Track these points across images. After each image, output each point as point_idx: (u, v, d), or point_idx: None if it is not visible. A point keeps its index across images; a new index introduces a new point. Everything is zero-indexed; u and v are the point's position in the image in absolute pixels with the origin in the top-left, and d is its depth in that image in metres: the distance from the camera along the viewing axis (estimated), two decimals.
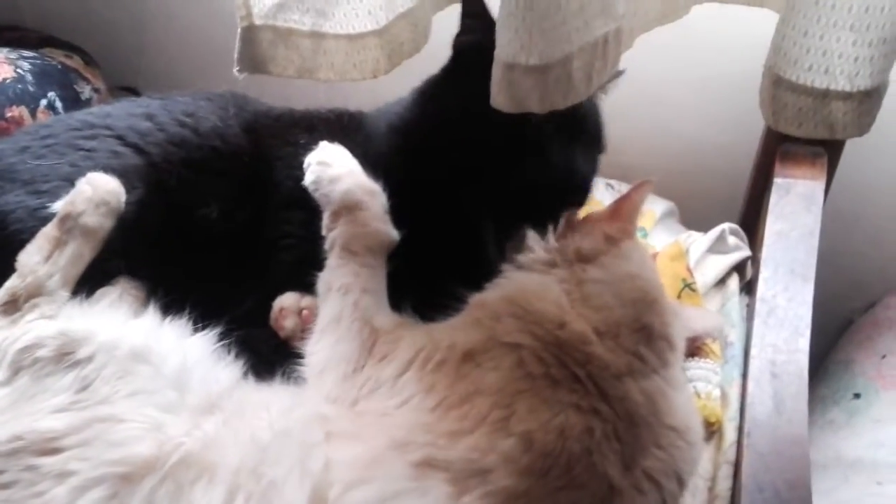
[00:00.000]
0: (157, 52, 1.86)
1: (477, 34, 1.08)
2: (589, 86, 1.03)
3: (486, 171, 1.08)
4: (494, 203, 1.10)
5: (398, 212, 1.09)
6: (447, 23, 1.13)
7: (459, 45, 1.12)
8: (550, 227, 1.08)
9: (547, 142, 1.09)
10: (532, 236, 1.08)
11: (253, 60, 1.06)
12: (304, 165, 1.10)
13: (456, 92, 1.11)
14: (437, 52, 1.15)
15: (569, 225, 1.09)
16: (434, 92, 1.15)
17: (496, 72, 0.98)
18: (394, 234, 1.07)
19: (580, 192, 1.12)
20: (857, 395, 1.41)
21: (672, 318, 1.03)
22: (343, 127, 1.20)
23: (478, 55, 1.06)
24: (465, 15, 1.10)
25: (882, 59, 1.11)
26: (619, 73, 1.15)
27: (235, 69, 1.07)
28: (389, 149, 1.15)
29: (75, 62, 1.71)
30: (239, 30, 1.07)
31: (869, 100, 1.14)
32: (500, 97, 0.99)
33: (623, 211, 1.10)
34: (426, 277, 1.06)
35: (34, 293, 1.01)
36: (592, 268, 1.03)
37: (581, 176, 1.11)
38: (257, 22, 1.10)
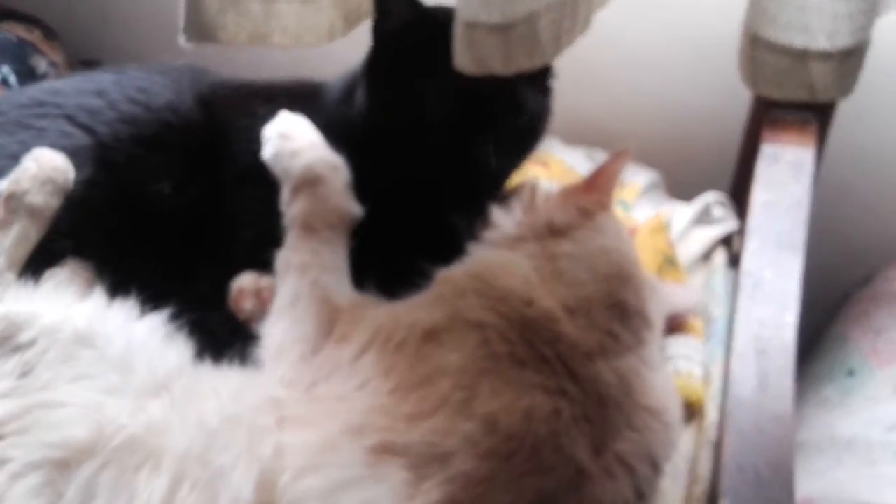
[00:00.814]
0: (122, 24, 1.82)
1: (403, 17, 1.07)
2: (557, 46, 1.00)
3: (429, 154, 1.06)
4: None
5: (361, 186, 1.06)
6: None
7: (384, 30, 1.10)
8: (517, 201, 1.05)
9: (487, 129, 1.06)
10: (497, 211, 1.05)
11: (200, 29, 1.02)
12: (263, 138, 1.07)
13: (386, 75, 1.09)
14: None
15: (534, 197, 1.06)
16: (369, 74, 1.12)
17: (458, 31, 0.95)
18: (356, 209, 1.05)
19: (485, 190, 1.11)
20: (850, 373, 1.38)
21: (649, 293, 1.00)
22: (305, 97, 1.16)
23: (406, 36, 1.05)
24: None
25: (862, 16, 1.07)
26: None
27: (181, 39, 1.03)
28: (353, 120, 1.12)
29: (34, 36, 1.68)
30: None
31: (850, 59, 1.10)
32: (463, 58, 0.96)
33: (599, 182, 1.07)
34: (390, 254, 1.03)
35: None
36: (565, 241, 1.00)
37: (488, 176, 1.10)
38: None
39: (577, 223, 1.02)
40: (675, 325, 1.16)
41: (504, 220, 1.05)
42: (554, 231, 1.01)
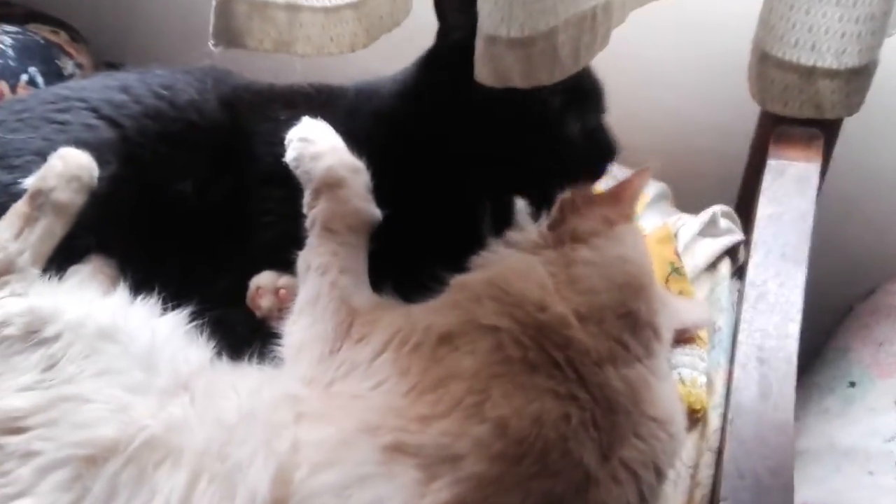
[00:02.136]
0: (146, 28, 1.84)
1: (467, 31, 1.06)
2: (576, 61, 1.01)
3: (495, 155, 1.07)
4: (505, 185, 1.09)
5: (381, 190, 1.07)
6: None
7: (447, 41, 1.10)
8: (545, 209, 1.07)
9: (557, 117, 1.08)
10: (523, 216, 1.07)
11: (228, 34, 1.04)
12: (286, 141, 1.08)
13: (451, 75, 1.08)
14: (419, 25, 1.13)
15: (567, 206, 1.07)
16: (428, 74, 1.13)
17: (479, 44, 0.97)
18: (376, 212, 1.06)
19: (607, 153, 1.11)
20: (852, 384, 1.39)
21: (660, 306, 1.01)
22: (325, 102, 1.17)
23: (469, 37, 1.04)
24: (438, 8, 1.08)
25: (870, 37, 1.08)
26: None
27: (210, 43, 1.05)
28: (377, 126, 1.13)
29: (60, 38, 1.70)
30: (214, 2, 1.05)
31: (857, 78, 1.11)
32: (483, 71, 0.98)
33: (624, 195, 1.08)
34: (409, 257, 1.04)
35: (4, 270, 0.99)
36: (583, 248, 1.01)
37: (604, 134, 1.11)
38: None
39: (598, 231, 1.03)
40: (682, 339, 1.17)
41: (530, 224, 1.06)
42: (575, 237, 1.02)
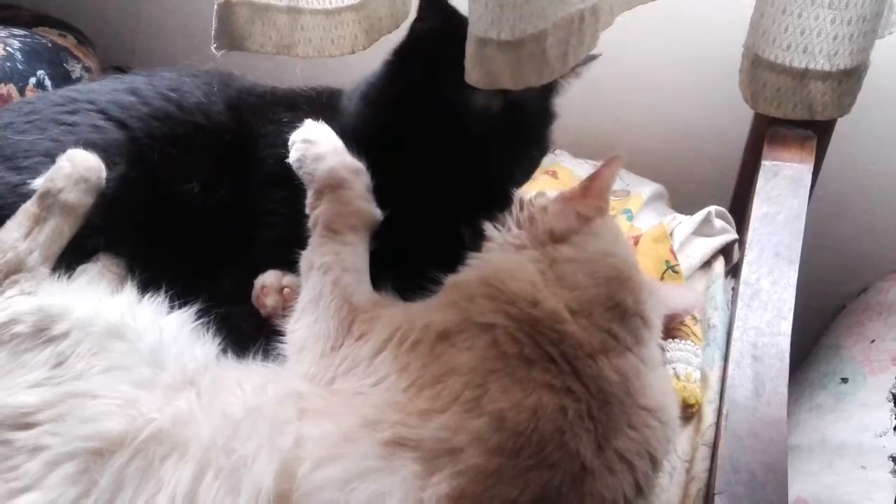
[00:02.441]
0: (152, 32, 1.86)
1: (432, 21, 1.08)
2: (564, 63, 1.02)
3: (435, 163, 1.09)
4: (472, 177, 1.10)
5: (382, 191, 1.09)
6: None
7: (414, 32, 1.12)
8: (507, 212, 1.09)
9: (491, 142, 1.09)
10: (498, 221, 1.09)
11: (230, 37, 1.05)
12: (289, 143, 1.10)
13: (407, 80, 1.11)
14: None
15: (539, 206, 1.09)
16: (390, 74, 1.15)
17: (469, 47, 0.98)
18: (376, 212, 1.08)
19: (495, 202, 1.12)
20: (844, 380, 1.41)
21: (646, 295, 1.03)
22: (325, 104, 1.19)
23: (430, 42, 1.06)
24: (423, 3, 1.10)
25: (861, 38, 1.09)
26: (592, 58, 1.14)
27: (213, 46, 1.07)
28: (362, 126, 1.15)
29: (68, 41, 1.71)
30: (215, 6, 1.06)
31: (849, 80, 1.12)
32: (473, 73, 0.99)
33: (594, 188, 1.10)
34: (406, 257, 1.06)
35: (14, 269, 1.01)
36: (565, 247, 1.03)
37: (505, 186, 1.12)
38: None
39: (576, 228, 1.05)
40: (675, 330, 1.19)
41: (504, 229, 1.08)
42: (555, 237, 1.04)
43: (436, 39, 1.08)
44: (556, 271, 1.00)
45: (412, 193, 1.09)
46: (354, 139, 1.12)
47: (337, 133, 1.11)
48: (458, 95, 1.06)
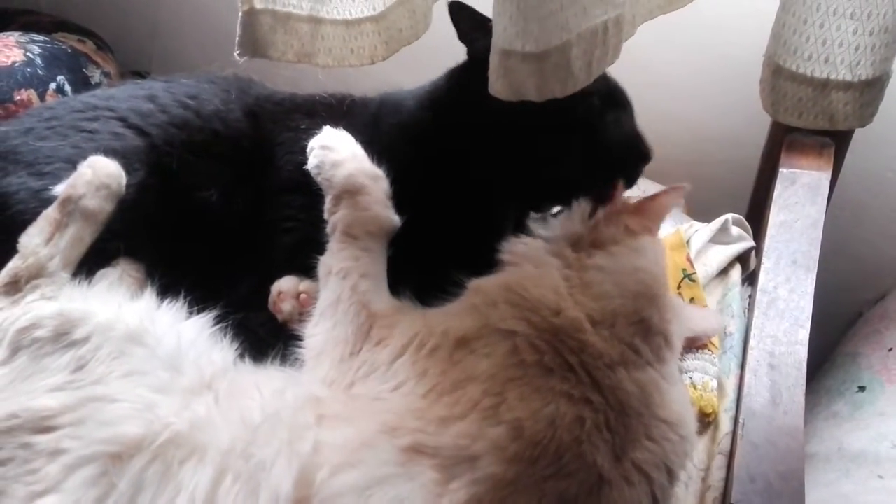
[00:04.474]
0: (170, 37, 1.87)
1: (481, 38, 1.08)
2: (589, 74, 1.02)
3: (532, 161, 1.09)
4: (533, 196, 1.11)
5: (402, 197, 1.09)
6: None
7: (474, 52, 1.11)
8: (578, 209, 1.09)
9: (597, 117, 1.10)
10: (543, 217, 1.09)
11: (253, 45, 1.06)
12: (308, 149, 1.10)
13: (475, 88, 1.09)
14: (439, 40, 1.15)
15: (581, 206, 1.09)
16: (452, 87, 1.15)
17: (493, 59, 0.98)
18: (395, 218, 1.08)
19: (644, 156, 1.13)
20: (861, 388, 1.40)
21: (672, 315, 1.02)
22: (345, 111, 1.19)
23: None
24: (458, 26, 1.10)
25: (884, 49, 1.09)
26: None
27: (236, 53, 1.08)
28: (401, 137, 1.15)
29: (87, 47, 1.73)
30: (240, 14, 1.07)
31: (870, 90, 1.12)
32: (497, 84, 0.99)
33: (651, 209, 1.10)
34: (427, 263, 1.06)
35: (35, 274, 1.02)
36: (599, 254, 1.03)
37: (641, 138, 1.13)
38: (257, 6, 1.10)
39: (618, 239, 1.04)
40: (694, 347, 1.19)
41: (562, 223, 1.08)
42: (594, 242, 1.04)
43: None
44: (585, 278, 1.00)
45: (451, 204, 1.10)
46: (383, 150, 1.12)
47: (358, 141, 1.11)
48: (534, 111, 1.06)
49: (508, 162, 1.11)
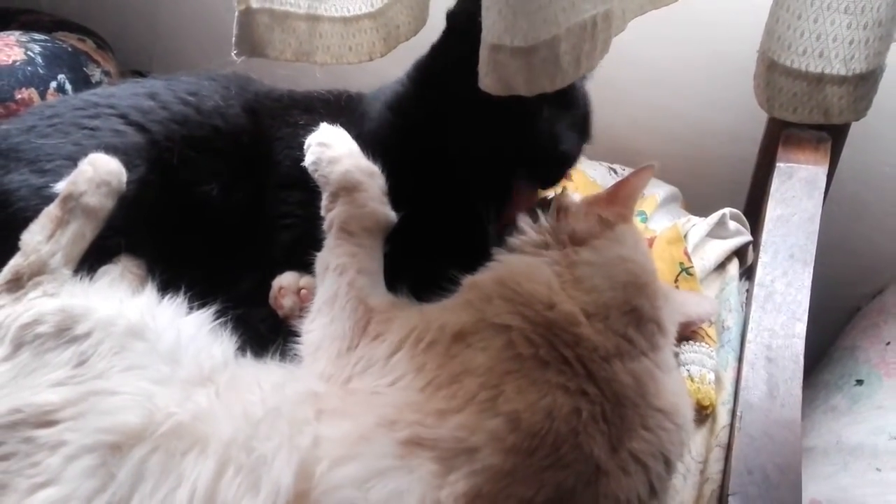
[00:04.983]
0: (170, 36, 1.88)
1: (469, 4, 1.07)
2: (577, 69, 1.02)
3: (476, 145, 1.09)
4: (484, 178, 1.10)
5: (396, 193, 1.10)
6: (446, 6, 1.13)
7: (452, 17, 1.11)
8: (541, 210, 1.09)
9: (535, 112, 1.09)
10: (523, 219, 1.09)
11: (250, 44, 1.07)
12: (305, 146, 1.11)
13: (447, 67, 1.11)
14: (436, 35, 1.15)
15: (563, 207, 1.10)
16: (427, 69, 1.15)
17: (483, 53, 0.98)
18: (391, 215, 1.08)
19: (561, 166, 1.12)
20: (859, 382, 1.41)
21: (663, 301, 1.03)
22: (342, 108, 1.20)
23: (471, 24, 1.04)
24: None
25: (877, 42, 1.09)
26: None
27: (233, 52, 1.08)
28: (386, 129, 1.16)
29: (87, 46, 1.73)
30: (236, 13, 1.08)
31: (865, 84, 1.13)
32: (487, 79, 0.99)
33: (621, 195, 1.10)
34: (422, 258, 1.06)
35: (37, 271, 1.02)
36: (584, 250, 1.04)
37: (563, 148, 1.11)
38: (254, 5, 1.11)
39: (597, 233, 1.05)
40: (689, 332, 1.19)
41: (530, 226, 1.08)
42: (575, 239, 1.05)
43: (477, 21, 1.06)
44: (575, 274, 1.01)
45: (435, 194, 1.10)
46: (376, 143, 1.12)
47: (354, 137, 1.12)
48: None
49: (465, 156, 1.11)
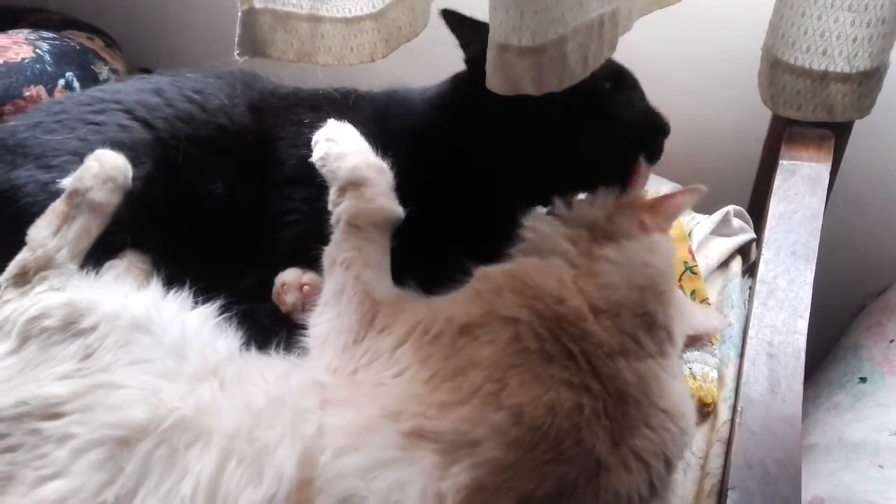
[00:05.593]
0: (178, 35, 1.88)
1: (476, 41, 1.09)
2: (585, 68, 1.03)
3: (550, 152, 1.11)
4: (561, 179, 1.12)
5: (407, 191, 1.10)
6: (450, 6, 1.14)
7: (470, 57, 1.13)
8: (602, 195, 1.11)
9: (608, 99, 1.11)
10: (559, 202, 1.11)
11: (253, 44, 1.07)
12: (312, 142, 1.12)
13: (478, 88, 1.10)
14: (438, 36, 1.16)
15: (626, 203, 1.11)
16: (466, 88, 1.16)
17: (490, 53, 0.98)
18: (399, 210, 1.08)
19: (664, 137, 1.15)
20: (862, 379, 1.41)
21: (676, 313, 1.03)
22: (349, 106, 1.21)
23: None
24: (454, 31, 1.12)
25: (881, 39, 1.09)
26: None
27: (236, 52, 1.09)
28: (409, 134, 1.17)
29: (95, 44, 1.75)
30: (239, 13, 1.08)
31: (869, 81, 1.12)
32: (494, 78, 1.00)
33: (666, 208, 1.11)
34: (431, 255, 1.06)
35: (43, 266, 1.03)
36: (611, 246, 1.04)
37: (664, 121, 1.15)
38: (257, 5, 1.11)
39: (632, 234, 1.06)
40: (696, 345, 1.20)
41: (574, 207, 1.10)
42: (607, 234, 1.05)
43: None
44: (593, 267, 1.01)
45: (450, 194, 1.11)
46: (388, 144, 1.13)
47: (363, 134, 1.13)
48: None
49: (524, 156, 1.12)
